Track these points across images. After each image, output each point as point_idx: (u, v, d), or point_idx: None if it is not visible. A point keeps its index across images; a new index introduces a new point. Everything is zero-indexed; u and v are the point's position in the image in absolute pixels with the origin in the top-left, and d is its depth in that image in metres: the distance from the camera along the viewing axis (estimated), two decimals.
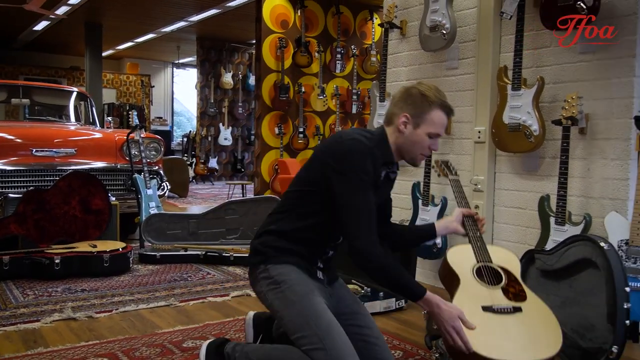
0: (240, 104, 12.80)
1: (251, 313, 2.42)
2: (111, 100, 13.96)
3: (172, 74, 16.48)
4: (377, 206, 1.95)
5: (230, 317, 3.03)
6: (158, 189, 5.09)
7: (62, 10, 9.77)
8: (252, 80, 12.35)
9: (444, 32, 3.56)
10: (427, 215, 3.69)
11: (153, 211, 4.79)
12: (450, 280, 2.11)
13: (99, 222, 4.31)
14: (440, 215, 3.67)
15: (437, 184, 3.82)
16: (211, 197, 9.78)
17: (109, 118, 6.32)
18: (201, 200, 9.39)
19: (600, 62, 2.95)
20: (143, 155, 5.00)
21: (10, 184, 4.47)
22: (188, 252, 4.40)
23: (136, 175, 4.87)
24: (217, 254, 4.35)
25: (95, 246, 3.97)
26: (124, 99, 14.57)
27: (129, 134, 4.99)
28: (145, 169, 4.96)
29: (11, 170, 4.49)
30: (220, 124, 12.60)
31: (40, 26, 11.44)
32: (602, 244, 2.02)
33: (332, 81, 8.71)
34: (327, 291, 2.02)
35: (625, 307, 1.92)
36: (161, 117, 15.29)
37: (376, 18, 8.99)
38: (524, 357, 1.80)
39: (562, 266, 2.25)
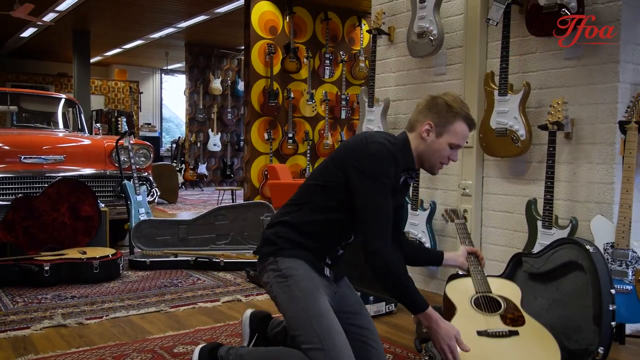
0: (229, 110, 12.81)
1: (248, 312, 2.44)
2: (99, 106, 13.91)
3: (161, 80, 16.45)
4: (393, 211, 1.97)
5: (221, 323, 3.04)
6: (147, 195, 5.09)
7: (49, 17, 9.75)
8: (241, 86, 12.36)
9: (432, 38, 3.60)
10: (416, 219, 3.72)
11: (143, 217, 4.79)
12: (447, 310, 2.16)
13: (89, 228, 4.30)
14: (430, 219, 3.70)
15: (426, 189, 3.85)
16: (201, 203, 9.77)
17: (97, 124, 6.32)
18: (191, 206, 9.37)
19: (585, 68, 3.00)
20: (132, 161, 5.00)
21: None
22: (178, 258, 4.40)
23: (125, 181, 4.87)
24: (207, 260, 4.35)
25: (84, 253, 3.96)
26: (112, 105, 14.52)
27: (118, 140, 4.98)
28: (135, 175, 4.96)
29: None
30: (209, 130, 12.59)
31: (28, 33, 11.40)
32: (587, 247, 2.06)
33: (321, 87, 8.75)
34: (333, 289, 2.03)
35: (611, 308, 1.95)
36: (150, 124, 15.25)
37: (364, 24, 9.04)
38: None
39: (549, 269, 2.29)
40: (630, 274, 2.61)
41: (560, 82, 3.11)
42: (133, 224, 4.68)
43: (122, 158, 4.98)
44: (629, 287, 2.61)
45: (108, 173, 4.99)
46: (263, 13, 8.23)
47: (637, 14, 2.90)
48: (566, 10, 2.81)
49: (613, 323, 1.96)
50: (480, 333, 1.99)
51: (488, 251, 3.51)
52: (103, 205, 4.57)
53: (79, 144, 5.20)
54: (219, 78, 12.79)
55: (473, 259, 2.30)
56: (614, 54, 2.86)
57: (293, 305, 1.88)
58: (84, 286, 3.73)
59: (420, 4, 3.65)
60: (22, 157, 4.59)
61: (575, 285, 2.15)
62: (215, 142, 12.59)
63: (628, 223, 2.63)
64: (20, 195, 4.32)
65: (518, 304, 2.15)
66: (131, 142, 5.07)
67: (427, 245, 3.67)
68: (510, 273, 2.52)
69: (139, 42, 12.46)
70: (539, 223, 2.99)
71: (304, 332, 1.83)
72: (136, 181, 4.93)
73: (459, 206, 3.57)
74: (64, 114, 6.12)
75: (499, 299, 2.17)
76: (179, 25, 10.77)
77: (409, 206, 3.78)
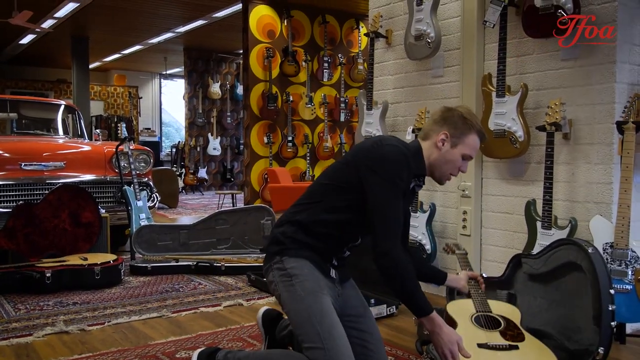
0: (228, 114, 12.82)
1: (261, 311, 2.47)
2: (99, 112, 13.93)
3: (160, 85, 16.48)
4: None
5: (222, 327, 3.05)
6: (148, 201, 5.10)
7: (48, 24, 9.77)
8: (240, 89, 12.38)
9: (429, 40, 3.61)
10: (415, 221, 3.73)
11: (143, 223, 4.80)
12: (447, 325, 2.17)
13: (89, 234, 4.31)
14: (430, 220, 3.71)
15: (426, 191, 3.86)
16: (201, 207, 9.77)
17: (97, 130, 6.34)
18: (191, 210, 9.38)
19: (581, 69, 3.01)
20: (132, 167, 5.02)
21: None
22: (179, 263, 4.40)
23: (126, 187, 4.88)
24: (208, 264, 4.36)
25: (86, 259, 3.97)
26: (112, 110, 14.54)
27: (117, 146, 5.00)
28: (135, 180, 4.97)
29: (0, 184, 4.48)
30: (209, 134, 12.61)
31: (27, 39, 11.42)
32: (587, 247, 2.07)
33: (319, 90, 8.77)
34: (337, 290, 2.04)
35: (611, 309, 1.96)
36: (149, 128, 15.27)
37: (362, 27, 9.07)
38: None
39: (549, 269, 2.30)
40: (629, 273, 2.62)
41: (558, 83, 3.12)
42: (134, 230, 4.69)
43: (122, 164, 5.00)
44: (629, 287, 2.62)
45: (108, 179, 5.00)
46: (261, 17, 8.26)
47: (633, 14, 2.92)
48: (562, 12, 2.83)
49: (613, 323, 1.97)
50: (480, 345, 2.03)
51: (488, 252, 3.52)
52: (104, 211, 4.58)
53: (79, 150, 5.22)
54: (217, 82, 12.81)
55: (473, 283, 2.37)
56: (610, 54, 2.87)
57: (296, 304, 1.90)
58: (86, 292, 3.74)
59: (417, 7, 3.67)
60: (23, 164, 4.61)
61: (574, 285, 2.16)
62: (215, 146, 12.61)
63: (627, 223, 2.64)
64: (20, 202, 4.34)
65: (518, 323, 2.20)
66: (131, 147, 5.08)
67: (427, 247, 3.69)
68: (510, 274, 2.53)
69: (137, 47, 12.48)
70: (539, 224, 3.00)
71: (305, 331, 1.84)
72: (136, 186, 4.94)
73: (459, 207, 3.59)
74: (63, 121, 6.13)
75: (498, 317, 2.21)
76: (177, 30, 10.79)
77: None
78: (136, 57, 13.55)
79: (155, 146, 14.23)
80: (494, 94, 3.25)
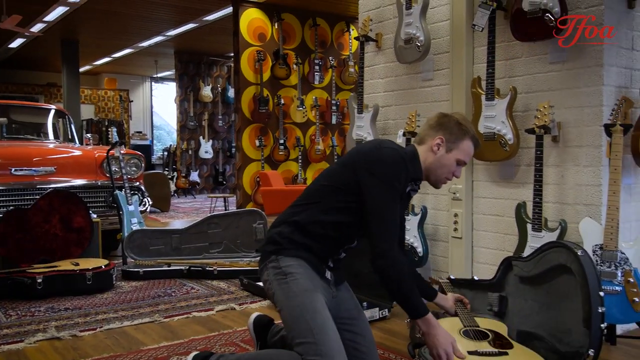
0: (220, 117, 12.81)
1: (252, 317, 2.47)
2: (90, 116, 13.87)
3: (151, 88, 16.43)
4: None
5: (215, 332, 3.04)
6: (140, 205, 5.09)
7: (37, 28, 9.73)
8: (231, 92, 12.38)
9: (418, 44, 3.63)
10: (407, 224, 3.74)
11: (135, 227, 4.79)
12: None
13: (81, 240, 4.30)
14: (421, 223, 3.73)
15: (417, 194, 3.86)
16: (193, 211, 9.75)
17: (88, 135, 6.29)
18: (183, 214, 9.36)
19: (569, 72, 3.04)
20: (124, 171, 5.00)
21: None
22: (171, 268, 4.40)
23: (117, 191, 4.87)
24: (200, 269, 4.35)
25: (77, 264, 3.95)
26: (103, 114, 14.48)
27: (108, 150, 4.98)
28: (126, 185, 4.96)
29: None
30: (201, 137, 12.59)
31: (16, 43, 11.36)
32: (576, 250, 2.09)
33: (311, 92, 8.79)
34: (331, 292, 2.06)
35: (600, 311, 1.98)
36: (141, 132, 15.22)
37: (353, 29, 9.09)
38: None
39: (539, 272, 2.31)
40: (619, 275, 2.65)
41: (546, 86, 3.15)
42: (125, 234, 4.68)
43: (113, 168, 4.98)
44: (619, 288, 2.64)
45: (99, 183, 4.99)
46: (252, 20, 8.27)
47: (620, 17, 2.95)
48: (550, 16, 2.85)
49: (603, 325, 1.98)
50: (471, 352, 2.06)
51: (479, 254, 3.54)
52: (95, 215, 4.56)
53: (70, 154, 5.20)
54: (209, 85, 12.80)
55: (460, 304, 2.44)
56: (598, 57, 2.90)
57: (289, 301, 1.91)
58: (77, 298, 3.73)
59: (407, 11, 3.69)
60: (13, 169, 4.58)
61: (564, 288, 2.18)
62: (206, 149, 12.59)
63: (616, 224, 2.66)
64: (11, 207, 4.32)
65: (505, 334, 2.26)
66: (122, 152, 5.07)
67: (419, 250, 3.70)
68: (500, 277, 2.55)
69: (128, 50, 12.45)
70: (529, 226, 3.02)
71: (297, 327, 1.86)
72: (128, 191, 4.93)
73: (450, 210, 3.60)
74: (54, 125, 6.11)
75: (486, 331, 2.27)
76: (168, 34, 10.77)
77: None
78: (127, 60, 13.52)
79: (147, 150, 14.19)
80: (483, 97, 3.27)
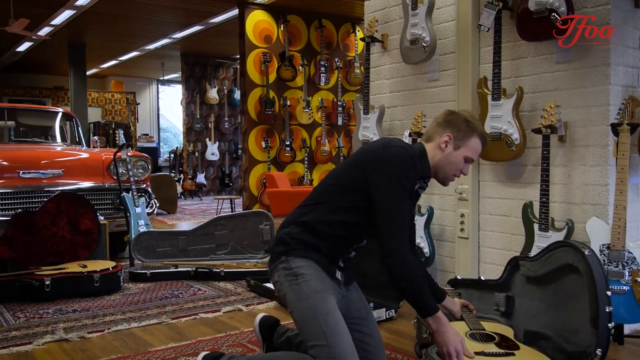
0: (226, 119, 12.84)
1: (258, 318, 2.48)
2: (97, 118, 13.93)
3: (157, 91, 16.49)
4: None
5: (222, 333, 3.05)
6: (146, 207, 5.10)
7: (44, 31, 9.79)
8: (237, 94, 12.40)
9: (424, 45, 3.63)
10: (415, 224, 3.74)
11: (142, 229, 4.80)
12: None
13: (88, 242, 4.32)
14: (427, 224, 3.73)
15: (424, 194, 3.85)
16: (200, 213, 9.78)
17: (95, 137, 6.33)
18: (190, 216, 9.38)
19: (576, 71, 3.03)
20: (131, 173, 5.02)
21: None
22: (178, 269, 4.41)
23: (124, 194, 4.89)
24: (207, 270, 4.36)
25: (85, 266, 3.97)
26: (110, 117, 14.55)
27: (115, 153, 5.01)
28: (133, 187, 4.97)
29: None
30: (207, 139, 12.62)
31: (24, 47, 11.44)
32: (583, 249, 2.08)
33: (317, 94, 8.80)
34: (342, 292, 2.06)
35: (607, 310, 1.97)
36: (147, 134, 15.28)
37: (358, 30, 9.10)
38: None
39: (546, 272, 2.31)
40: (626, 274, 2.64)
41: (553, 86, 3.14)
42: (133, 236, 4.69)
43: (120, 170, 5.00)
44: (626, 288, 2.63)
45: (107, 186, 5.00)
46: (257, 22, 8.29)
47: (626, 16, 2.94)
48: (556, 15, 2.85)
49: (610, 325, 1.98)
50: (477, 353, 2.05)
51: (486, 255, 3.53)
52: (102, 218, 4.59)
53: (77, 157, 5.22)
54: (215, 87, 12.83)
55: (465, 309, 2.44)
56: (604, 56, 2.89)
57: (301, 303, 1.91)
58: (85, 300, 3.74)
59: (412, 11, 3.69)
60: (21, 172, 4.61)
61: (572, 287, 2.17)
62: (213, 151, 12.62)
63: (623, 224, 2.65)
64: (19, 210, 4.34)
65: (511, 337, 2.26)
66: (129, 154, 5.09)
67: (426, 250, 3.70)
68: (507, 277, 2.54)
69: (134, 53, 12.50)
70: (536, 226, 3.01)
71: (309, 329, 1.86)
72: (135, 193, 4.95)
73: (456, 210, 3.60)
74: (61, 128, 6.14)
75: (492, 334, 2.27)
76: (174, 36, 10.81)
77: None
78: (133, 63, 13.58)
79: (153, 152, 14.24)
80: (489, 97, 3.27)
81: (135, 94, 15.23)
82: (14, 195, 4.55)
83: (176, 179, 11.97)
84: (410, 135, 3.70)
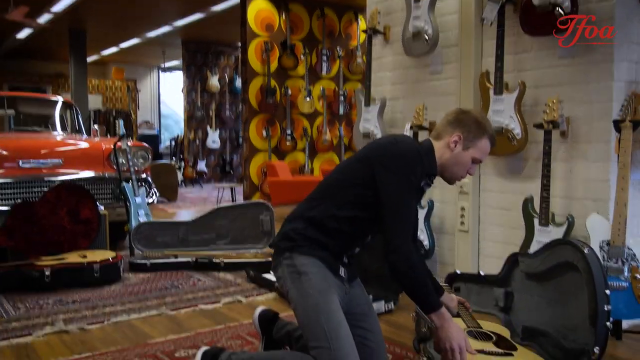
0: (227, 107, 12.81)
1: (257, 311, 2.48)
2: (97, 106, 13.90)
3: (158, 78, 16.43)
4: None
5: (221, 325, 3.06)
6: (147, 197, 5.10)
7: (45, 19, 9.73)
8: (238, 82, 12.35)
9: (427, 37, 3.61)
10: None
11: (142, 219, 4.80)
12: None
13: (88, 232, 4.32)
14: (428, 217, 3.72)
15: None
16: (201, 201, 9.79)
17: (95, 126, 6.30)
18: (190, 204, 9.39)
19: (579, 67, 3.01)
20: (131, 163, 5.01)
21: None
22: (178, 260, 4.42)
23: (124, 184, 4.88)
24: (207, 261, 4.37)
25: (85, 256, 3.98)
26: (110, 104, 14.51)
27: (115, 143, 4.99)
28: (134, 177, 4.97)
29: None
30: (208, 127, 12.59)
31: (24, 34, 11.38)
32: (582, 248, 2.08)
33: (318, 83, 8.75)
34: (345, 289, 2.05)
35: (606, 309, 1.97)
36: (148, 121, 15.25)
37: (361, 19, 9.03)
38: None
39: (545, 269, 2.31)
40: (626, 270, 2.64)
41: (556, 81, 3.12)
42: (133, 226, 4.70)
43: (120, 160, 4.99)
44: (625, 284, 2.63)
45: (107, 175, 5.00)
46: (259, 11, 8.23)
47: (630, 12, 2.91)
48: (560, 10, 2.82)
49: (608, 323, 1.98)
50: (477, 351, 2.07)
51: (486, 248, 3.54)
52: (102, 207, 4.59)
53: (77, 147, 5.21)
54: (216, 75, 12.78)
55: (461, 306, 2.45)
56: (608, 52, 2.87)
57: (304, 302, 1.91)
58: (85, 290, 3.75)
59: (415, 3, 3.66)
60: (21, 161, 4.60)
61: (571, 285, 2.17)
62: (214, 139, 12.59)
63: (623, 221, 2.65)
64: (19, 200, 4.34)
65: (508, 337, 2.28)
66: (129, 144, 5.08)
67: (425, 243, 3.70)
68: (506, 273, 2.55)
69: (135, 40, 12.44)
70: (536, 220, 3.01)
71: (312, 330, 1.86)
72: (135, 183, 4.94)
73: (457, 203, 3.59)
74: (61, 116, 6.12)
75: (490, 333, 2.29)
76: (175, 24, 10.75)
77: None
78: (134, 50, 13.52)
79: (154, 139, 14.23)
80: (491, 91, 3.25)
81: (136, 81, 15.19)
82: (14, 185, 4.54)
83: (177, 166, 11.97)
84: (411, 128, 3.68)
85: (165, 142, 15.31)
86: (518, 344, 2.34)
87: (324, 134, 8.73)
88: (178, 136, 13.14)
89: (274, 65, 8.33)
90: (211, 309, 3.36)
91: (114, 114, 13.20)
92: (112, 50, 13.64)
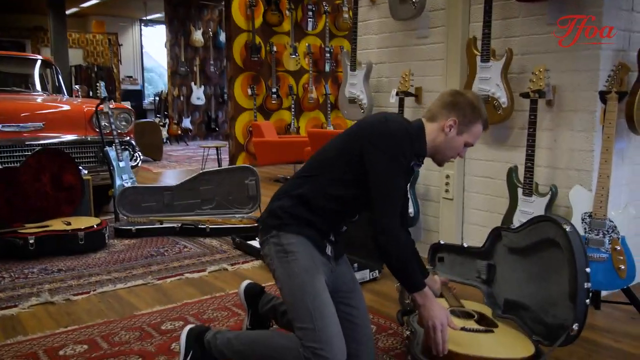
0: (211, 62, 12.59)
1: (242, 285, 2.50)
2: (78, 61, 13.57)
3: (140, 32, 16.03)
4: None
5: (207, 295, 3.08)
6: (130, 160, 5.05)
7: None
8: (223, 37, 12.11)
9: (414, 0, 3.53)
10: None
11: (127, 184, 4.77)
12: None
13: (72, 198, 4.28)
14: (412, 184, 3.73)
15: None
16: (186, 159, 9.73)
17: (76, 86, 6.17)
18: (176, 162, 9.33)
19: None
20: (113, 126, 4.94)
21: None
22: (164, 225, 4.41)
23: (107, 148, 4.82)
24: (192, 226, 4.37)
25: (69, 223, 3.95)
26: (92, 59, 14.17)
27: (97, 106, 4.90)
28: (117, 140, 4.90)
29: None
30: (192, 83, 12.41)
31: None
32: (564, 225, 2.09)
33: (304, 39, 8.61)
34: (331, 267, 2.06)
35: (586, 286, 2.00)
36: (131, 77, 14.96)
37: None
38: (498, 355, 2.02)
39: (528, 244, 2.32)
40: (607, 242, 2.67)
41: (543, 48, 3.07)
42: (117, 191, 4.66)
43: (102, 123, 4.91)
44: (605, 256, 2.67)
45: (89, 139, 4.93)
46: None
47: None
48: None
49: (587, 301, 2.01)
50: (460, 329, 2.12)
51: (470, 216, 3.56)
52: (86, 172, 4.54)
53: (58, 109, 5.11)
54: (200, 29, 12.51)
55: (444, 287, 2.50)
56: (597, 20, 2.82)
57: (290, 281, 1.92)
58: (70, 258, 3.74)
59: None
60: (0, 125, 4.51)
61: (552, 261, 2.19)
62: (198, 95, 12.43)
63: (606, 193, 2.66)
64: (0, 166, 4.28)
65: (489, 315, 2.35)
66: (111, 106, 4.99)
67: (410, 210, 3.71)
68: (489, 246, 2.56)
69: None
70: (520, 190, 3.02)
71: (297, 309, 1.87)
72: (118, 147, 4.88)
73: (442, 171, 3.59)
74: (41, 76, 5.98)
75: (471, 311, 2.34)
76: None
77: None
78: (115, 2, 13.12)
79: (138, 95, 14.02)
80: (478, 58, 3.20)
81: (118, 34, 14.81)
82: None
83: (161, 124, 11.83)
84: (397, 94, 3.64)
85: (149, 97, 15.07)
86: (499, 316, 2.40)
87: (310, 92, 8.63)
88: (162, 92, 12.94)
89: (258, 21, 8.16)
90: (197, 278, 3.38)
91: (95, 70, 12.92)
92: (93, 1, 13.22)
